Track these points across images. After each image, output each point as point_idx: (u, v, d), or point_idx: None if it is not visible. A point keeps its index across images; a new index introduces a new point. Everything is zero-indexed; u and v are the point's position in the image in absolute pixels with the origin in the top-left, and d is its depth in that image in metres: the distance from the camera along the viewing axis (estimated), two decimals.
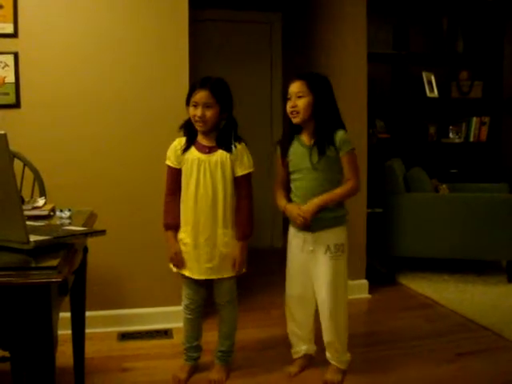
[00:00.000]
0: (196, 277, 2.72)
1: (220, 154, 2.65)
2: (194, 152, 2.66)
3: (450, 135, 5.78)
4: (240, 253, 2.71)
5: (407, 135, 5.58)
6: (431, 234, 4.47)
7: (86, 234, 1.93)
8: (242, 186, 2.70)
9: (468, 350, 3.18)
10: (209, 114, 2.58)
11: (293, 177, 2.75)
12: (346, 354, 2.81)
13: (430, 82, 5.63)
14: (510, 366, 2.99)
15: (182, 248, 2.71)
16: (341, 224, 2.73)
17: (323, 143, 2.61)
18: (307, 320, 2.87)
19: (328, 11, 4.49)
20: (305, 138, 2.69)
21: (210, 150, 2.66)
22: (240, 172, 2.68)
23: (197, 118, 2.58)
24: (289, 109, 2.66)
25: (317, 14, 4.76)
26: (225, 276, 2.73)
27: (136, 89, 3.39)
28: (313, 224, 2.66)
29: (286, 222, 5.84)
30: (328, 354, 2.81)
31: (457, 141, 5.76)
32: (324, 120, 2.62)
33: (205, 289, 2.80)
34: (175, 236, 2.72)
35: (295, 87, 2.63)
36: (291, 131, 2.74)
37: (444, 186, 4.92)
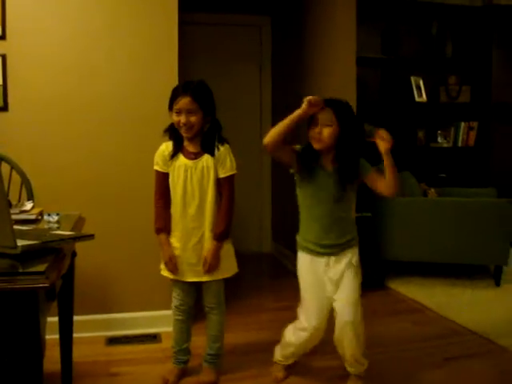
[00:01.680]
0: (186, 279, 2.73)
1: (206, 159, 2.66)
2: (181, 158, 2.67)
3: (439, 140, 5.81)
4: (211, 253, 2.67)
5: (396, 139, 5.54)
6: (420, 238, 4.49)
7: (74, 239, 1.92)
8: (223, 187, 2.69)
9: (456, 354, 3.20)
10: (193, 119, 2.58)
11: (310, 203, 2.68)
12: (366, 361, 2.76)
13: (418, 87, 5.65)
14: (498, 370, 3.00)
15: (174, 252, 2.72)
16: (356, 245, 2.72)
17: (346, 174, 2.59)
18: (313, 344, 2.81)
19: (317, 15, 4.50)
20: (326, 163, 2.63)
21: (195, 156, 2.66)
22: (222, 174, 2.67)
23: (181, 125, 2.59)
24: (315, 134, 2.55)
25: (306, 18, 4.77)
26: (213, 278, 2.73)
27: (126, 92, 3.38)
28: (334, 249, 2.64)
29: (274, 226, 5.86)
30: (349, 367, 2.76)
31: (445, 145, 5.78)
32: (349, 151, 2.58)
33: (194, 290, 2.81)
34: (168, 239, 2.72)
35: (324, 116, 2.53)
36: (310, 153, 2.62)
37: (432, 190, 4.94)
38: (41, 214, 2.32)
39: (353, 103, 4.10)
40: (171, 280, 2.79)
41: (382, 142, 2.54)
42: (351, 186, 2.63)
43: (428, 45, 5.70)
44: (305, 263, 2.72)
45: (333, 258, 2.64)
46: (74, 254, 2.40)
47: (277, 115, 5.71)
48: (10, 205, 2.38)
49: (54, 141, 3.31)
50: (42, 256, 1.61)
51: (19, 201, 2.76)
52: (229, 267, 2.77)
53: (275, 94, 5.76)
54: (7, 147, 3.00)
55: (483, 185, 5.43)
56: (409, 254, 4.56)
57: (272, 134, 2.52)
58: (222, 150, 2.67)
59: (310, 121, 2.57)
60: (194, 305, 2.84)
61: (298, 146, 2.65)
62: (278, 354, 2.91)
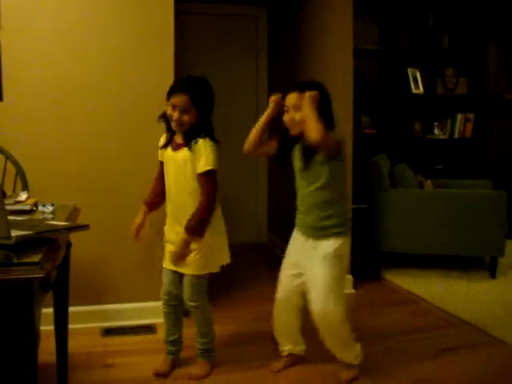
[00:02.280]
0: (167, 266, 2.78)
1: (184, 151, 2.63)
2: (169, 151, 2.71)
3: (435, 131, 5.81)
4: (178, 244, 2.64)
5: (393, 131, 5.60)
6: (416, 229, 4.49)
7: (69, 229, 1.91)
8: (201, 183, 2.62)
9: (452, 345, 3.20)
10: (185, 118, 2.57)
11: (296, 186, 2.76)
12: (354, 350, 2.76)
13: (415, 79, 5.65)
14: (494, 361, 3.01)
15: (165, 244, 2.79)
16: (340, 236, 2.67)
17: (309, 158, 2.62)
18: (291, 323, 2.85)
19: (314, 7, 4.48)
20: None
21: (177, 147, 2.66)
22: (198, 169, 2.60)
23: (173, 119, 2.59)
24: (288, 121, 2.61)
25: (303, 10, 4.75)
26: (187, 272, 2.70)
27: (121, 82, 3.36)
28: (311, 231, 2.68)
29: (270, 217, 5.86)
30: (337, 355, 2.77)
31: (442, 137, 5.78)
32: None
33: (179, 281, 2.77)
34: (143, 212, 2.81)
35: (292, 99, 2.60)
36: (289, 140, 2.69)
37: (429, 181, 4.94)
38: (35, 204, 2.31)
39: (350, 95, 4.12)
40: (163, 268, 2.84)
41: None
42: (330, 164, 2.59)
43: (425, 36, 5.68)
44: (292, 237, 2.84)
45: (310, 241, 2.69)
46: (69, 245, 2.38)
47: None
48: (4, 195, 2.37)
49: (49, 131, 3.29)
50: (37, 246, 1.60)
51: (14, 191, 2.74)
52: (210, 264, 2.71)
53: (271, 86, 5.73)
54: (2, 137, 2.98)
55: (479, 177, 5.43)
56: (405, 246, 4.57)
57: (249, 140, 2.70)
58: (200, 144, 2.59)
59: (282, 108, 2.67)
60: (181, 298, 2.80)
61: (275, 137, 2.75)
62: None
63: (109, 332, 3.33)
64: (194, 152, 2.59)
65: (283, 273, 2.82)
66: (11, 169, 2.83)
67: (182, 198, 2.67)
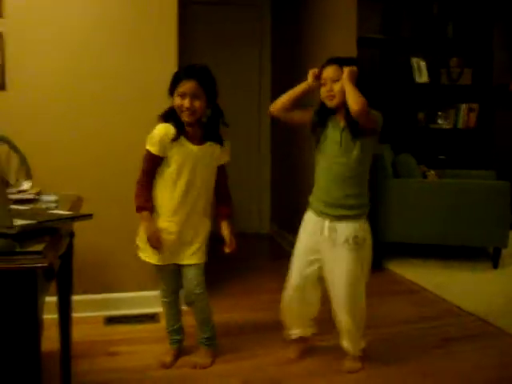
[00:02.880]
0: (170, 262, 2.75)
1: (210, 145, 2.67)
2: (184, 142, 2.61)
3: (439, 121, 5.79)
4: (231, 232, 2.77)
5: (396, 121, 5.58)
6: (419, 219, 4.49)
7: (72, 218, 1.91)
8: (222, 173, 2.79)
9: (454, 335, 3.21)
10: (197, 104, 2.56)
11: (321, 159, 2.70)
12: (362, 342, 2.79)
13: (419, 68, 5.62)
14: (496, 352, 3.01)
15: (165, 236, 2.69)
16: (363, 219, 2.69)
17: (353, 131, 2.58)
18: (303, 310, 2.84)
19: None
20: (339, 120, 2.63)
21: (200, 142, 2.65)
22: (223, 161, 2.76)
23: (184, 109, 2.55)
24: (325, 93, 2.59)
25: None
26: (196, 262, 2.74)
27: (125, 71, 3.36)
28: (333, 209, 2.64)
29: (273, 207, 5.85)
30: (345, 345, 2.78)
31: (445, 127, 5.76)
32: None
33: (179, 274, 2.80)
34: (149, 215, 2.67)
35: (330, 72, 2.58)
36: (324, 113, 2.66)
37: (432, 172, 4.93)
38: (38, 193, 2.31)
39: None
40: (155, 266, 2.79)
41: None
42: (363, 139, 2.58)
43: (429, 25, 5.65)
44: (305, 220, 2.77)
45: (328, 222, 2.64)
46: (72, 234, 2.39)
47: (276, 95, 5.67)
48: (7, 184, 2.37)
49: (52, 120, 3.29)
50: (40, 236, 1.60)
51: (17, 180, 2.74)
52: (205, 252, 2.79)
53: (274, 74, 5.72)
54: (5, 127, 2.97)
55: (483, 167, 5.42)
56: (407, 236, 4.56)
57: (280, 101, 2.67)
58: (227, 142, 2.73)
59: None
60: (179, 287, 2.84)
61: (311, 110, 2.69)
62: (285, 327, 2.92)
63: (112, 321, 3.34)
64: (224, 147, 2.73)
65: (297, 258, 2.78)
66: (15, 158, 2.83)
67: (201, 192, 2.69)
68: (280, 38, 5.57)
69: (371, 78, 5.33)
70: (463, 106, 5.73)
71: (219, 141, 2.69)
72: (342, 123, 2.60)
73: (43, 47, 3.24)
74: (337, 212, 2.63)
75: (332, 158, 2.63)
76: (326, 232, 2.65)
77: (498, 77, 5.71)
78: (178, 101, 2.56)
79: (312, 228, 2.72)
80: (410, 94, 5.67)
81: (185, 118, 2.59)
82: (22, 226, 1.58)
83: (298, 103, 2.65)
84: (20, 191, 2.30)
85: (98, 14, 3.30)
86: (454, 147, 5.82)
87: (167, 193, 2.67)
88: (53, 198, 2.23)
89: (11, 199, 2.02)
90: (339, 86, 2.54)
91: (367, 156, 2.66)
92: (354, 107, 2.46)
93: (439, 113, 5.78)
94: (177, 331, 2.88)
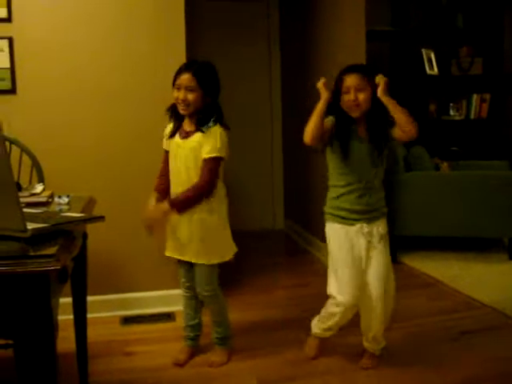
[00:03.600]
0: (173, 255, 2.77)
1: (194, 137, 2.61)
2: (176, 137, 2.68)
3: (451, 112, 5.75)
4: (156, 210, 2.64)
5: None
6: (433, 212, 4.46)
7: (84, 221, 1.91)
8: (202, 168, 2.59)
9: (471, 328, 3.19)
10: (191, 97, 2.55)
11: (343, 171, 2.62)
12: (383, 341, 2.78)
13: (429, 59, 5.58)
14: None
15: (169, 231, 2.76)
16: (385, 215, 2.73)
17: (380, 141, 2.57)
18: (345, 321, 2.75)
19: None
20: (360, 130, 2.59)
21: (186, 135, 2.64)
22: (204, 154, 2.57)
23: (179, 101, 2.58)
24: (350, 102, 2.51)
25: None
26: (197, 261, 2.69)
27: (133, 72, 3.36)
28: (366, 214, 2.62)
29: (287, 203, 5.85)
30: (367, 343, 2.76)
31: (457, 118, 5.72)
32: (382, 114, 2.52)
33: (190, 271, 2.79)
34: (153, 198, 2.73)
35: (354, 80, 2.51)
36: (345, 122, 2.58)
37: (445, 163, 4.90)
38: (51, 196, 2.32)
39: None
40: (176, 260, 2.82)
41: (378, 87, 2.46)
42: (385, 149, 2.61)
43: (438, 16, 5.60)
44: (336, 235, 2.67)
45: (365, 226, 2.63)
46: (85, 236, 2.40)
47: (286, 90, 5.68)
48: (19, 188, 2.38)
49: (63, 122, 3.30)
50: (53, 239, 1.61)
51: (30, 184, 2.76)
52: (221, 252, 2.71)
53: (284, 69, 5.71)
54: (17, 130, 2.99)
55: (496, 157, 5.37)
56: (422, 229, 4.54)
57: (310, 132, 2.49)
58: (213, 130, 2.59)
59: (337, 92, 2.55)
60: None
61: (329, 119, 2.58)
62: (316, 326, 2.85)
63: (128, 320, 3.36)
64: (205, 136, 2.58)
65: (344, 272, 2.63)
66: (27, 161, 2.85)
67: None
68: (289, 33, 5.55)
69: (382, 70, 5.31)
70: (475, 97, 5.68)
71: (199, 129, 2.59)
72: (364, 134, 2.58)
73: (52, 50, 3.25)
74: (369, 215, 2.63)
75: (361, 168, 2.59)
76: (362, 235, 2.63)
77: (509, 65, 5.66)
78: (174, 93, 2.60)
79: (344, 239, 2.64)
80: (421, 86, 5.63)
81: (180, 110, 2.61)
82: (35, 230, 1.59)
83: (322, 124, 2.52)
84: (32, 194, 2.32)
85: (106, 16, 3.30)
86: (467, 138, 5.77)
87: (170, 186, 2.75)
88: (65, 200, 2.24)
89: (24, 202, 2.04)
90: (364, 95, 2.50)
91: (386, 159, 2.68)
92: (412, 132, 2.46)
93: (451, 104, 5.74)
94: (192, 327, 2.88)
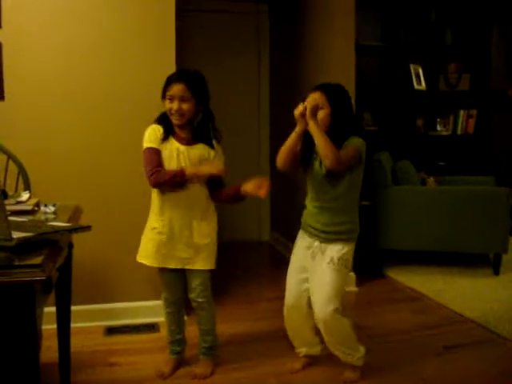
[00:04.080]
0: (168, 265, 2.70)
1: (201, 147, 2.65)
2: (172, 141, 2.63)
3: (438, 128, 5.79)
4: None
5: (395, 128, 5.58)
6: (419, 226, 4.48)
7: (70, 231, 1.90)
8: (219, 183, 2.73)
9: (455, 342, 3.19)
10: (185, 107, 2.57)
11: (308, 188, 2.70)
12: (359, 351, 2.73)
13: (417, 75, 5.63)
14: (498, 359, 3.00)
15: (157, 237, 2.67)
16: (349, 241, 2.66)
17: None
18: (303, 327, 2.81)
19: (316, 2, 4.46)
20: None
21: (188, 142, 2.65)
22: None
23: (173, 112, 2.57)
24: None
25: (304, 5, 4.73)
26: (200, 268, 2.70)
27: (122, 80, 3.36)
28: (322, 234, 2.63)
29: (273, 215, 5.85)
30: (342, 356, 2.74)
31: (444, 133, 5.77)
32: (339, 131, 2.53)
33: (182, 281, 2.77)
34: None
35: (311, 99, 2.53)
36: (309, 142, 2.55)
37: (432, 178, 4.93)
38: (37, 204, 2.30)
39: (352, 91, 4.07)
40: (159, 271, 2.76)
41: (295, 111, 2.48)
42: (350, 174, 2.58)
43: (427, 32, 5.66)
44: (298, 240, 2.77)
45: (318, 244, 2.64)
46: (71, 245, 2.38)
47: (275, 102, 5.69)
48: (5, 195, 2.37)
49: (51, 130, 3.29)
50: (38, 248, 1.60)
51: (16, 191, 2.74)
52: (214, 258, 2.74)
53: (273, 81, 5.73)
54: (3, 137, 2.97)
55: (482, 173, 5.42)
56: (407, 243, 4.56)
57: (282, 158, 2.57)
58: (218, 145, 2.70)
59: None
60: (184, 297, 2.82)
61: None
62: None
63: (112, 331, 3.33)
64: (215, 150, 2.67)
65: (291, 278, 2.77)
66: (13, 168, 2.83)
67: (194, 192, 2.65)
68: (278, 47, 5.57)
69: (371, 85, 5.33)
70: (462, 112, 5.73)
71: (209, 143, 2.66)
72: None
73: (42, 57, 3.24)
74: (326, 236, 2.63)
75: (319, 188, 2.63)
76: (314, 252, 2.66)
77: (496, 82, 5.72)
78: (167, 104, 2.59)
79: (303, 247, 2.72)
80: (408, 101, 5.67)
81: (174, 120, 2.61)
82: (20, 239, 1.58)
83: (296, 152, 2.57)
84: (18, 202, 2.30)
85: (97, 25, 3.30)
86: (454, 153, 5.82)
87: (161, 194, 2.66)
88: (51, 209, 2.23)
89: (9, 210, 2.02)
90: (321, 115, 2.50)
91: (356, 185, 2.66)
92: (327, 163, 2.46)
93: (438, 119, 5.79)
94: (178, 342, 2.86)
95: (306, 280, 2.71)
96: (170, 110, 2.58)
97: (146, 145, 2.63)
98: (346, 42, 4.11)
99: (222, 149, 2.72)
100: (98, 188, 3.34)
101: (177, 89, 2.55)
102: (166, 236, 2.66)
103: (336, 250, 2.61)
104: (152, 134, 2.63)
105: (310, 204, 2.70)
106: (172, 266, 2.70)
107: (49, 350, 2.63)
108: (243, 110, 5.69)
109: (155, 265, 2.73)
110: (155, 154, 2.60)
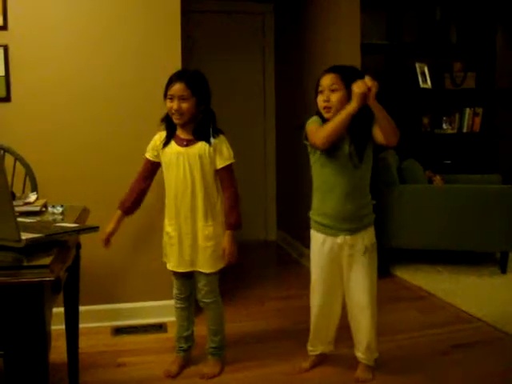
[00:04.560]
0: (178, 269, 2.74)
1: (199, 146, 2.65)
2: (173, 146, 2.67)
3: (444, 126, 5.77)
4: (227, 242, 2.69)
5: (400, 126, 5.53)
6: (425, 225, 4.47)
7: (78, 231, 1.91)
8: (223, 177, 2.69)
9: (462, 341, 3.19)
10: (185, 106, 2.58)
11: (327, 172, 2.60)
12: (376, 352, 2.77)
13: (423, 73, 5.61)
14: (505, 357, 2.99)
15: (168, 241, 2.74)
16: (372, 224, 2.69)
17: (362, 144, 2.54)
18: (330, 327, 2.81)
19: (321, 2, 4.46)
20: None
21: (187, 143, 2.65)
22: (220, 164, 2.66)
23: (173, 111, 2.59)
24: (322, 103, 2.52)
25: (309, 5, 4.73)
26: (204, 270, 2.71)
27: (130, 82, 3.36)
28: (352, 223, 2.59)
29: (279, 214, 5.85)
30: (360, 355, 2.75)
31: (450, 131, 5.74)
32: (364, 116, 2.47)
33: (192, 280, 2.80)
34: (117, 217, 2.77)
35: (328, 79, 2.51)
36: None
37: (438, 177, 4.91)
38: (45, 205, 2.31)
39: None
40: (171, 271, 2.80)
41: (358, 89, 2.37)
42: (368, 148, 2.58)
43: (432, 31, 5.64)
44: (317, 243, 2.69)
45: (348, 238, 2.60)
46: (78, 246, 2.39)
47: (280, 104, 5.69)
48: (13, 197, 2.38)
49: (58, 131, 3.30)
50: (47, 249, 1.61)
51: (23, 192, 2.75)
52: (222, 258, 2.73)
53: (278, 82, 5.73)
54: (11, 138, 2.99)
55: (489, 171, 5.40)
56: (414, 242, 4.55)
57: (332, 136, 2.43)
58: (218, 140, 2.66)
59: (316, 90, 2.55)
60: (194, 294, 2.84)
61: (315, 120, 2.57)
62: (308, 343, 2.88)
63: (119, 331, 3.34)
64: (213, 147, 2.64)
65: (319, 278, 2.71)
66: (20, 170, 2.84)
67: (194, 195, 2.65)
68: (284, 46, 5.57)
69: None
70: (467, 111, 5.70)
71: (207, 140, 2.63)
72: (345, 133, 2.51)
73: (48, 59, 3.25)
74: (354, 225, 2.60)
75: (342, 172, 2.56)
76: (346, 248, 2.62)
77: (502, 80, 5.69)
78: (168, 103, 2.61)
79: (323, 247, 2.66)
80: (414, 99, 5.65)
81: (174, 120, 2.63)
82: (29, 240, 1.59)
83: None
84: (26, 203, 2.31)
85: (103, 25, 3.31)
86: (460, 152, 5.79)
87: (167, 198, 2.74)
88: (59, 209, 2.24)
89: (17, 211, 2.03)
90: (337, 96, 2.48)
91: (371, 162, 2.65)
92: (393, 140, 2.46)
93: (444, 117, 5.77)
94: (185, 339, 2.87)
95: (337, 280, 2.69)
96: (171, 109, 2.60)
97: (145, 153, 2.79)
98: (351, 41, 4.12)
99: (223, 140, 2.68)
100: (104, 189, 3.34)
101: (176, 88, 2.57)
102: (175, 240, 2.70)
103: (367, 238, 2.63)
104: (151, 143, 2.76)
105: (330, 193, 2.59)
106: (179, 269, 2.74)
107: (57, 350, 2.64)
108: (249, 109, 5.69)
109: (170, 268, 2.78)
110: (144, 165, 2.79)
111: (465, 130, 5.73)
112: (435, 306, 3.83)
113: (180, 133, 2.67)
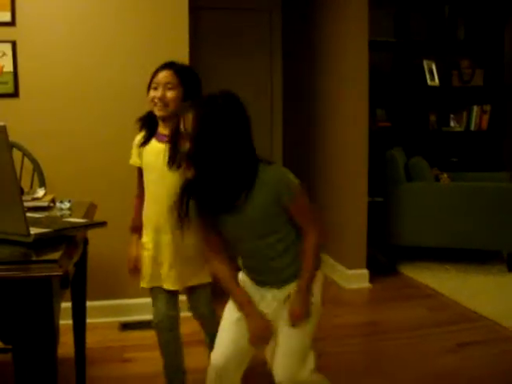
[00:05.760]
0: (163, 285, 2.36)
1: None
2: (153, 143, 2.31)
3: (451, 124, 5.76)
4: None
5: (408, 124, 5.55)
6: (432, 223, 4.46)
7: (86, 226, 1.91)
8: None
9: (469, 339, 3.18)
10: (170, 95, 2.22)
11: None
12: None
13: (430, 71, 5.60)
14: (511, 356, 2.98)
15: (145, 253, 2.37)
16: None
17: None
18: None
19: None
20: None
21: (169, 140, 2.12)
22: None
23: (156, 100, 2.23)
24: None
25: (317, 2, 4.72)
26: (204, 281, 2.37)
27: (135, 78, 3.36)
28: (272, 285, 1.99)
29: None
30: None
31: (458, 129, 5.73)
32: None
33: (176, 299, 2.44)
34: (137, 241, 2.44)
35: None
36: None
37: (445, 174, 4.90)
38: (53, 200, 2.32)
39: (365, 87, 4.10)
40: (150, 291, 2.45)
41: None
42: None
43: (440, 28, 5.62)
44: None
45: (268, 292, 2.00)
46: (86, 242, 2.40)
47: (288, 102, 5.68)
48: (22, 192, 2.38)
49: (66, 127, 3.31)
50: (55, 244, 1.61)
51: (31, 188, 2.76)
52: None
53: (286, 79, 5.72)
54: (19, 134, 2.99)
55: (496, 169, 5.39)
56: (421, 240, 4.54)
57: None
58: None
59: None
60: (178, 316, 2.47)
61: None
62: None
63: (126, 326, 3.35)
64: None
65: (227, 329, 2.04)
66: (28, 165, 2.85)
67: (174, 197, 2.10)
68: (291, 44, 5.56)
69: (384, 80, 5.31)
70: (475, 108, 5.69)
71: None
72: None
73: (56, 55, 3.27)
74: (271, 285, 2.00)
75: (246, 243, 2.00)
76: (270, 302, 1.99)
77: (510, 77, 5.67)
78: (151, 93, 2.27)
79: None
80: (421, 97, 5.64)
81: (156, 111, 2.26)
82: (37, 235, 1.59)
83: None
84: (34, 198, 2.32)
85: (110, 23, 3.31)
86: (467, 149, 5.78)
87: (145, 203, 2.41)
88: (67, 205, 2.24)
89: (26, 207, 2.03)
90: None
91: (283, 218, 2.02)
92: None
93: (451, 115, 5.75)
94: (176, 373, 2.47)
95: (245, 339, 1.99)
96: (153, 98, 2.25)
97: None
98: (359, 38, 4.10)
99: None
100: (112, 184, 3.35)
101: (163, 75, 2.25)
102: (151, 251, 2.38)
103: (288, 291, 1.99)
104: (133, 147, 2.42)
105: (245, 262, 2.08)
106: (160, 284, 2.40)
107: (64, 345, 2.62)
108: (256, 106, 5.64)
109: (144, 286, 2.48)
110: (137, 176, 2.46)
111: (472, 128, 5.72)
112: (442, 304, 3.82)
113: (161, 129, 2.31)
